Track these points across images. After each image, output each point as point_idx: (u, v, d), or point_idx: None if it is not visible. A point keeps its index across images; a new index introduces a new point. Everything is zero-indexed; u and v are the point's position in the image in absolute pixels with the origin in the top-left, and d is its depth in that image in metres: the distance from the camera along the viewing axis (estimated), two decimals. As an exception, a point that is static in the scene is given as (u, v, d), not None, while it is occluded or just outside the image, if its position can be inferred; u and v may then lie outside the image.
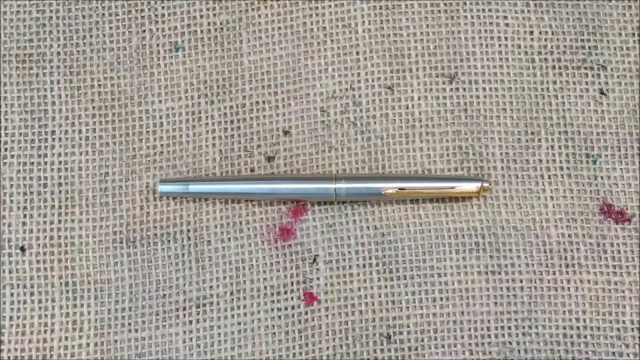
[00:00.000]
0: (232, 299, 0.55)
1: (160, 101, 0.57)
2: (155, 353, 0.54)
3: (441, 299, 0.54)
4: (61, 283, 0.55)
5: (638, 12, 0.58)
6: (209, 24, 0.58)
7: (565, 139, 0.57)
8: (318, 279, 0.55)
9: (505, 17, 0.58)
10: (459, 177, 0.56)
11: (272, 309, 0.54)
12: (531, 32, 0.58)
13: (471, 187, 0.55)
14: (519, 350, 0.54)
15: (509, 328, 0.54)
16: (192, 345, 0.54)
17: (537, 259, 0.55)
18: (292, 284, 0.55)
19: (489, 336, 0.54)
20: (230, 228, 0.56)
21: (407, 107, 0.57)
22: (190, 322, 0.54)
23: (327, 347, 0.54)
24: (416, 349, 0.54)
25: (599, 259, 0.55)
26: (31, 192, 0.56)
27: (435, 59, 0.58)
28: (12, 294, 0.55)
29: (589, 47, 0.58)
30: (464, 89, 0.57)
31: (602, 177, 0.56)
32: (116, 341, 0.54)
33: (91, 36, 0.58)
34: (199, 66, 0.58)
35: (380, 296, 0.54)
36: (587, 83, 0.57)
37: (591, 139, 0.57)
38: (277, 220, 0.56)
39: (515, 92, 0.57)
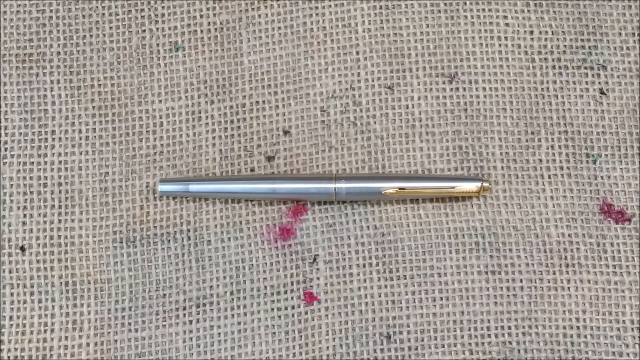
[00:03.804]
0: (232, 299, 0.55)
1: (160, 101, 0.57)
2: (155, 353, 0.54)
3: (441, 298, 0.54)
4: (61, 283, 0.55)
5: (638, 12, 0.58)
6: (209, 23, 0.58)
7: (565, 138, 0.57)
8: (318, 278, 0.55)
9: (505, 17, 0.58)
10: (459, 177, 0.56)
11: (272, 309, 0.54)
12: (531, 32, 0.58)
13: (471, 186, 0.55)
14: (518, 350, 0.54)
15: (509, 328, 0.54)
16: (192, 345, 0.54)
17: (537, 259, 0.55)
18: (292, 283, 0.55)
19: (489, 336, 0.54)
20: (230, 228, 0.56)
21: (407, 107, 0.57)
22: (190, 321, 0.54)
23: (327, 347, 0.54)
24: (416, 348, 0.54)
25: (599, 259, 0.55)
26: (31, 192, 0.56)
27: (435, 59, 0.58)
28: (12, 294, 0.55)
29: (589, 47, 0.58)
30: (464, 89, 0.57)
31: (602, 177, 0.56)
32: (116, 341, 0.54)
33: (91, 36, 0.58)
34: (199, 66, 0.58)
35: (380, 296, 0.54)
36: (587, 83, 0.57)
37: (591, 138, 0.57)
38: (277, 220, 0.56)
39: (515, 92, 0.57)
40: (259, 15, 0.58)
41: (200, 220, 0.56)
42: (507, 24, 0.58)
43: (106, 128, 0.57)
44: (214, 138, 0.57)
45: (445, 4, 0.58)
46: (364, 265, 0.55)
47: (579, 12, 0.58)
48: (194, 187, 0.55)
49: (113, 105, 0.57)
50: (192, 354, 0.54)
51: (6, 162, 0.57)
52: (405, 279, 0.54)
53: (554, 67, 0.58)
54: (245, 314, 0.54)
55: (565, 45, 0.58)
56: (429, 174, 0.56)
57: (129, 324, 0.55)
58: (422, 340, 0.54)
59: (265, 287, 0.55)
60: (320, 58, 0.58)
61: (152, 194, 0.56)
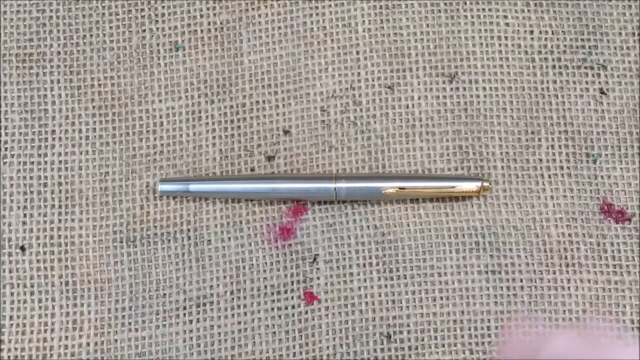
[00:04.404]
0: (232, 299, 0.55)
1: (160, 100, 0.57)
2: (155, 352, 0.54)
3: (441, 298, 0.54)
4: (61, 282, 0.55)
5: (638, 11, 0.58)
6: (209, 23, 0.58)
7: (565, 138, 0.57)
8: (318, 278, 0.55)
9: (505, 17, 0.58)
10: (459, 177, 0.56)
11: (272, 309, 0.54)
12: (531, 32, 0.58)
13: (471, 186, 0.55)
14: (519, 350, 0.54)
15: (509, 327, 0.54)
16: (192, 345, 0.54)
17: (537, 259, 0.55)
18: (292, 283, 0.55)
19: (489, 336, 0.54)
20: (231, 227, 0.56)
21: (407, 107, 0.57)
22: (191, 321, 0.54)
23: (327, 347, 0.54)
24: (416, 348, 0.54)
25: (599, 259, 0.55)
26: (31, 192, 0.56)
27: (436, 59, 0.58)
28: (12, 294, 0.55)
29: (589, 47, 0.58)
30: (464, 89, 0.57)
31: (602, 177, 0.56)
32: (116, 341, 0.54)
33: (91, 35, 0.58)
34: (199, 65, 0.58)
35: (380, 295, 0.54)
36: (587, 82, 0.57)
37: (591, 138, 0.57)
38: (278, 219, 0.56)
39: (515, 92, 0.57)
40: (259, 15, 0.58)
41: (200, 220, 0.56)
42: (507, 24, 0.58)
43: (106, 128, 0.57)
44: (214, 138, 0.57)
45: (445, 4, 0.58)
46: (364, 265, 0.55)
47: (579, 12, 0.58)
48: (194, 186, 0.55)
49: (113, 105, 0.57)
50: (192, 353, 0.54)
51: (6, 162, 0.56)
52: (405, 278, 0.54)
53: (554, 66, 0.58)
54: (245, 313, 0.54)
55: (565, 45, 0.58)
56: (429, 173, 0.56)
57: (129, 323, 0.54)
58: (422, 340, 0.54)
59: (266, 286, 0.55)
60: (320, 58, 0.58)
61: (152, 194, 0.56)
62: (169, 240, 0.55)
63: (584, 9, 0.58)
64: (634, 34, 0.58)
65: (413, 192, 0.55)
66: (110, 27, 0.58)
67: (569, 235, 0.55)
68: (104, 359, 0.54)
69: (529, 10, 0.58)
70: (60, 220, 0.56)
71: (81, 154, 0.57)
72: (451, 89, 0.57)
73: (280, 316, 0.54)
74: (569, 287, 0.54)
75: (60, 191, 0.56)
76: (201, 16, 0.58)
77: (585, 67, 0.58)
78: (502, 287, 0.54)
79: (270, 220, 0.56)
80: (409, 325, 0.54)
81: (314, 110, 0.57)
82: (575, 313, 0.54)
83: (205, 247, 0.55)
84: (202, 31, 0.58)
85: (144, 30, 0.58)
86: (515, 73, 0.57)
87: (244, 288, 0.55)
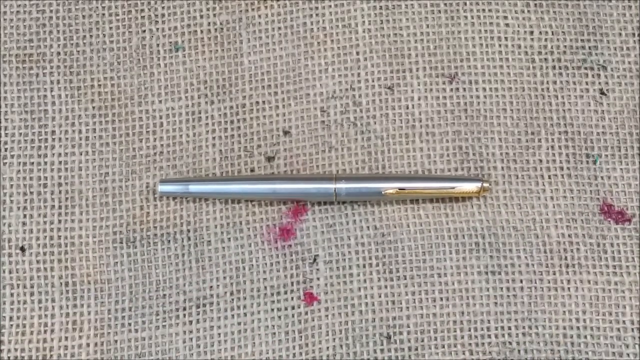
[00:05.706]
0: (232, 299, 0.55)
1: (160, 101, 0.57)
2: (155, 353, 0.54)
3: (441, 299, 0.54)
4: (61, 283, 0.55)
5: (638, 12, 0.58)
6: (209, 24, 0.58)
7: (565, 139, 0.57)
8: (318, 279, 0.55)
9: (505, 17, 0.58)
10: (459, 177, 0.56)
11: (272, 309, 0.54)
12: (531, 32, 0.58)
13: (471, 187, 0.55)
14: (519, 351, 0.54)
15: (509, 328, 0.54)
16: (192, 345, 0.54)
17: (537, 259, 0.55)
18: (292, 284, 0.55)
19: (489, 336, 0.54)
20: (230, 228, 0.56)
21: (407, 107, 0.57)
22: (190, 322, 0.54)
23: (327, 347, 0.54)
24: (416, 349, 0.54)
25: (599, 259, 0.55)
26: (31, 192, 0.56)
27: (436, 59, 0.58)
28: (12, 294, 0.55)
29: (589, 47, 0.58)
30: (464, 89, 0.57)
31: (602, 177, 0.56)
32: (116, 341, 0.54)
33: (91, 36, 0.58)
34: (199, 66, 0.58)
35: (380, 296, 0.54)
36: (587, 83, 0.57)
37: (591, 139, 0.57)
38: (277, 220, 0.56)
39: (515, 92, 0.57)
40: (259, 16, 0.58)
41: (200, 221, 0.56)
42: (507, 25, 0.58)
43: (106, 128, 0.57)
44: (214, 138, 0.57)
45: (445, 4, 0.58)
46: (364, 266, 0.55)
47: (579, 13, 0.58)
48: (194, 187, 0.55)
49: (113, 106, 0.57)
50: (192, 354, 0.54)
51: (6, 162, 0.57)
52: (405, 279, 0.54)
53: (554, 67, 0.58)
54: (245, 314, 0.54)
55: (565, 46, 0.58)
56: (429, 174, 0.56)
57: (129, 324, 0.55)
58: (422, 341, 0.54)
59: (265, 287, 0.55)
60: (320, 58, 0.58)
61: (152, 195, 0.56)
62: (169, 241, 0.55)
63: (584, 10, 0.58)
64: (634, 34, 0.58)
65: (413, 192, 0.55)
66: (110, 28, 0.58)
67: (569, 236, 0.55)
68: (103, 359, 0.54)
69: (529, 11, 0.58)
70: (60, 221, 0.56)
71: (81, 154, 0.57)
72: (451, 89, 0.57)
73: (280, 317, 0.54)
74: (568, 288, 0.54)
75: (60, 192, 0.56)
76: (201, 17, 0.58)
77: (585, 68, 0.58)
78: (502, 288, 0.54)
79: (270, 221, 0.56)
80: (408, 326, 0.54)
81: (313, 110, 0.57)
82: (575, 313, 0.54)
83: (205, 248, 0.55)
84: (202, 32, 0.58)
85: (144, 31, 0.58)
86: (515, 74, 0.57)
87: (244, 289, 0.55)
